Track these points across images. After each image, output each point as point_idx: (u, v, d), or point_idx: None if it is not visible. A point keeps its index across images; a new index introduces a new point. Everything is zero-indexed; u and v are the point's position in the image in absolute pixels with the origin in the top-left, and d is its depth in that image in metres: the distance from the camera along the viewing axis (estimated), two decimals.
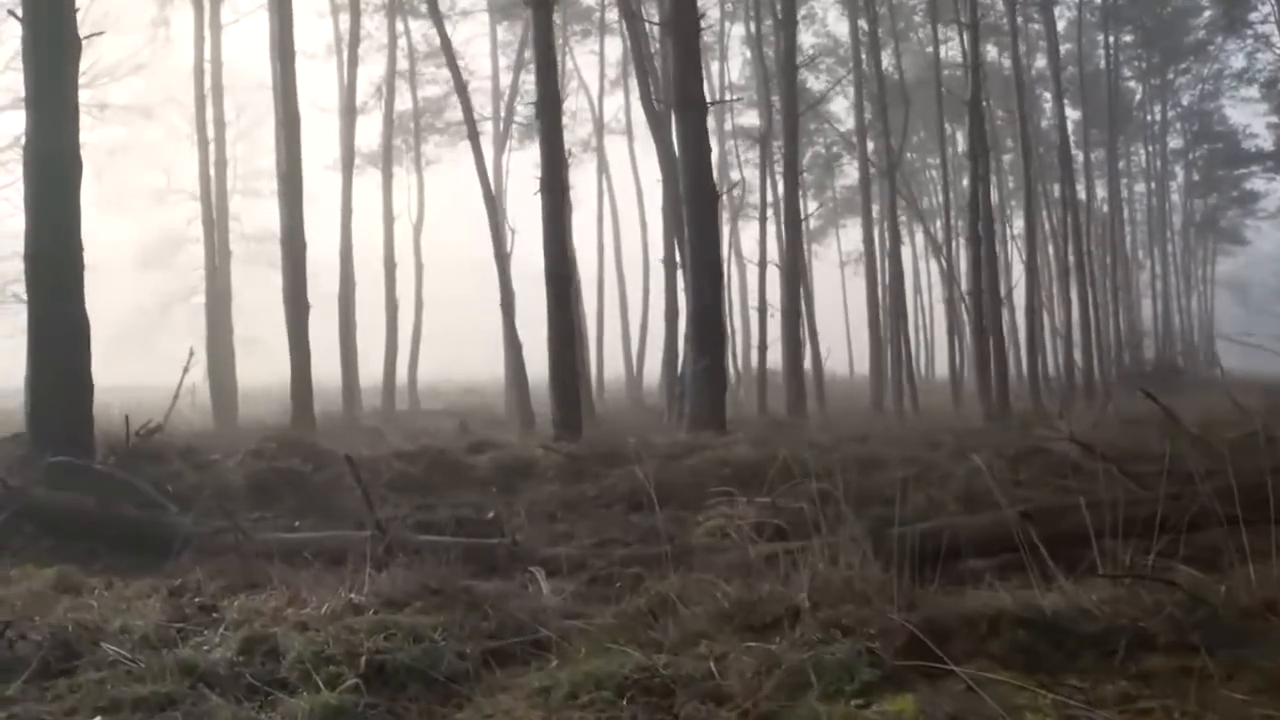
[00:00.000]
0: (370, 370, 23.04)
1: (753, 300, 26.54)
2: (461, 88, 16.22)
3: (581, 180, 31.25)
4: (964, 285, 30.13)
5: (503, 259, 16.02)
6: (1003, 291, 23.56)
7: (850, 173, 39.94)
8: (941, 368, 40.62)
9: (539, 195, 9.61)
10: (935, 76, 26.75)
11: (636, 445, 8.28)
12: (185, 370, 17.43)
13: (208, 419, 19.15)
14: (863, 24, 27.20)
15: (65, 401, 6.74)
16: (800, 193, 20.26)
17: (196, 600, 3.77)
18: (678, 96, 10.74)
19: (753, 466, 7.77)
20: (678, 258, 18.31)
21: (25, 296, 17.55)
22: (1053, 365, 32.10)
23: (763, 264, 21.18)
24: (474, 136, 16.62)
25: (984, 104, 27.44)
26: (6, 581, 4.34)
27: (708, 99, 29.19)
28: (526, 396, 15.41)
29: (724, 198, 29.51)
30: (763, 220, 21.75)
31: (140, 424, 7.74)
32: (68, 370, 6.78)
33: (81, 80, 7.40)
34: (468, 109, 16.34)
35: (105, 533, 5.57)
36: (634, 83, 33.65)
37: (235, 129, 23.56)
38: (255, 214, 30.17)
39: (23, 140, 22.30)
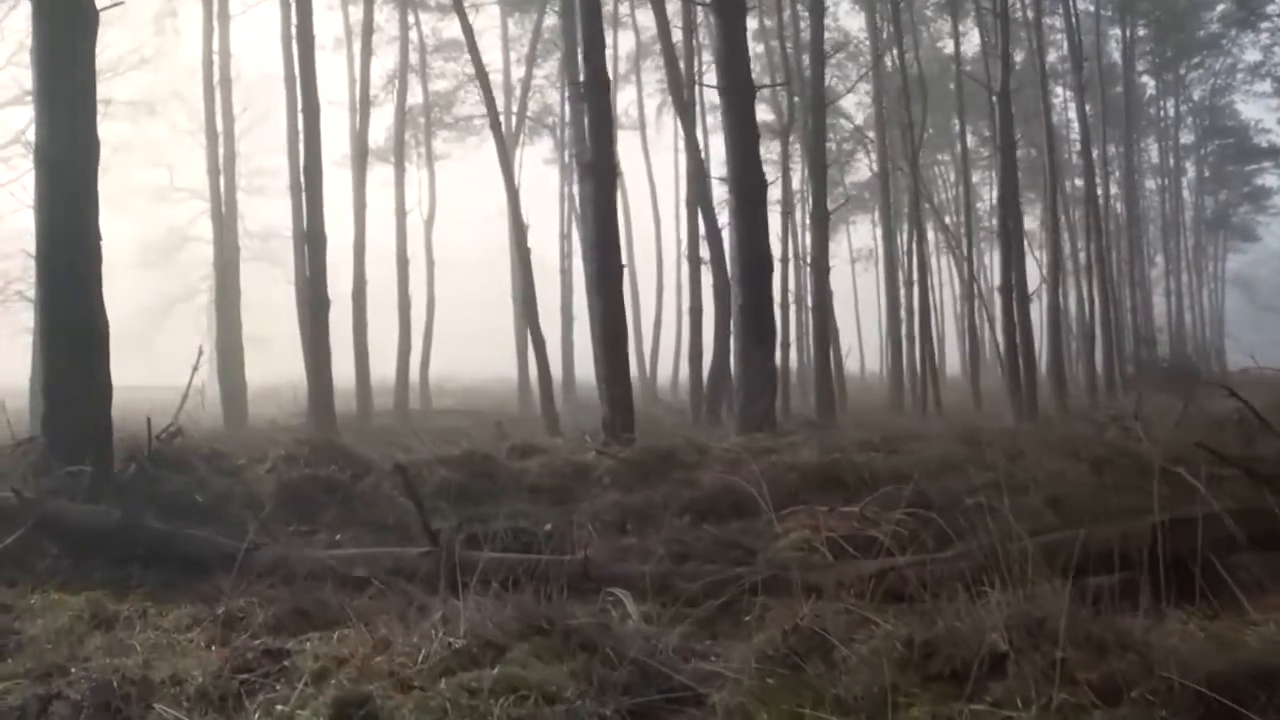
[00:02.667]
0: (377, 369, 22.50)
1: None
2: (483, 76, 15.62)
3: None
4: (980, 282, 29.67)
5: (524, 253, 15.46)
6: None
7: (860, 169, 39.45)
8: (951, 366, 40.16)
9: (585, 180, 9.04)
10: (955, 70, 26.21)
11: (693, 447, 7.74)
12: (194, 369, 16.88)
13: (217, 420, 18.60)
14: (878, 17, 26.70)
15: (81, 405, 6.17)
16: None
17: (258, 642, 3.20)
18: (723, 79, 10.17)
19: (823, 471, 7.25)
20: (702, 253, 17.76)
21: (31, 295, 16.94)
22: (1067, 363, 31.59)
23: (784, 259, 20.64)
24: (495, 126, 16.01)
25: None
26: (29, 612, 3.77)
27: (714, 104, 28.43)
28: (550, 396, 14.86)
29: None
30: (785, 215, 21.19)
31: (149, 426, 7.18)
32: (84, 371, 6.21)
33: None
34: (489, 97, 15.74)
35: (131, 549, 5.02)
36: (646, 77, 33.21)
37: (239, 125, 23.01)
38: (258, 211, 29.69)
39: (26, 135, 21.50)
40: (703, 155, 16.52)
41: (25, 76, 20.96)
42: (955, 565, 4.48)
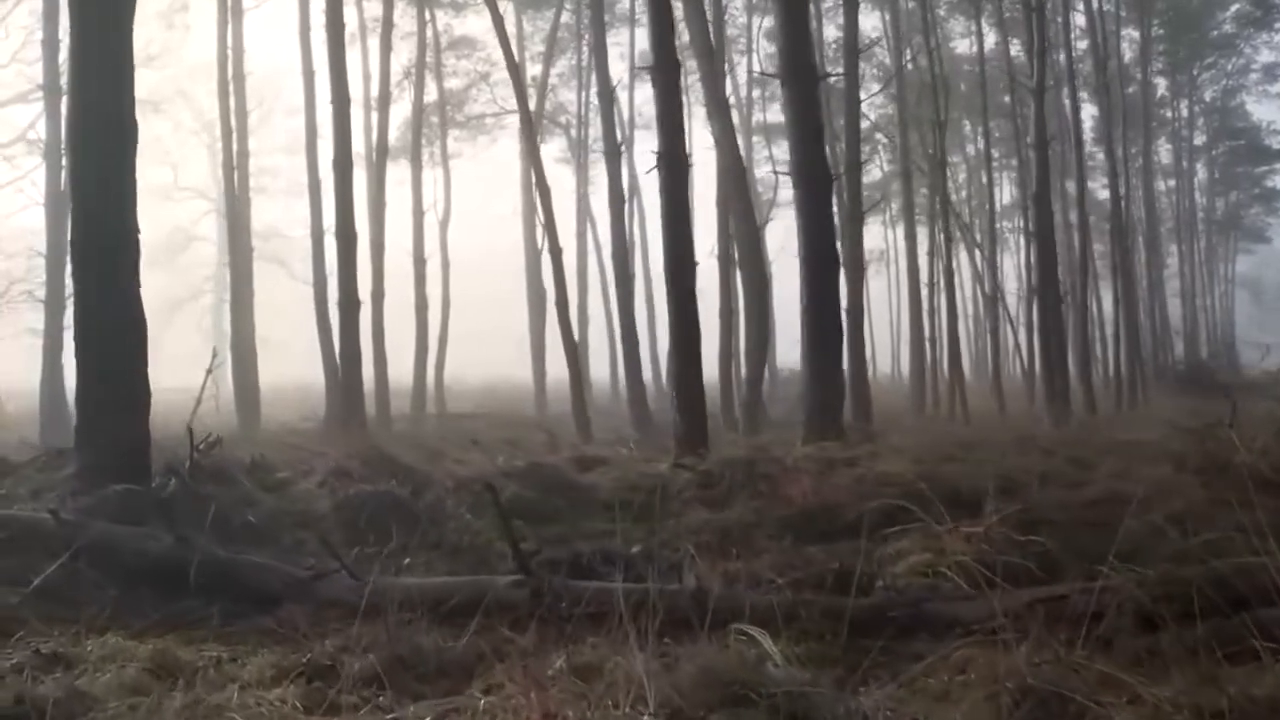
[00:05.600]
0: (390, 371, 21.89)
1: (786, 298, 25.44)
2: (513, 70, 15.03)
3: (603, 176, 30.28)
4: (996, 282, 29.18)
5: (556, 253, 14.90)
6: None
7: (871, 170, 38.92)
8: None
9: (655, 169, 8.47)
10: (980, 69, 25.77)
11: (770, 459, 7.19)
12: (209, 372, 16.25)
13: (231, 423, 18.01)
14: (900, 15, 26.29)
15: (119, 414, 5.60)
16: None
17: (390, 717, 2.63)
18: (786, 67, 9.60)
19: (916, 484, 6.71)
20: (733, 253, 17.21)
21: (40, 295, 16.36)
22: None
23: None
24: (526, 120, 15.43)
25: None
26: (89, 666, 3.20)
27: (730, 102, 28.08)
28: (583, 401, 14.29)
29: (753, 195, 28.52)
30: None
31: (190, 436, 6.60)
32: (122, 377, 5.65)
33: None
34: (521, 92, 15.15)
35: (185, 577, 4.46)
36: None
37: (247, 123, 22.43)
38: (260, 211, 29.19)
39: (31, 134, 20.86)
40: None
41: (29, 72, 20.50)
42: (1131, 594, 3.95)
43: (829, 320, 9.34)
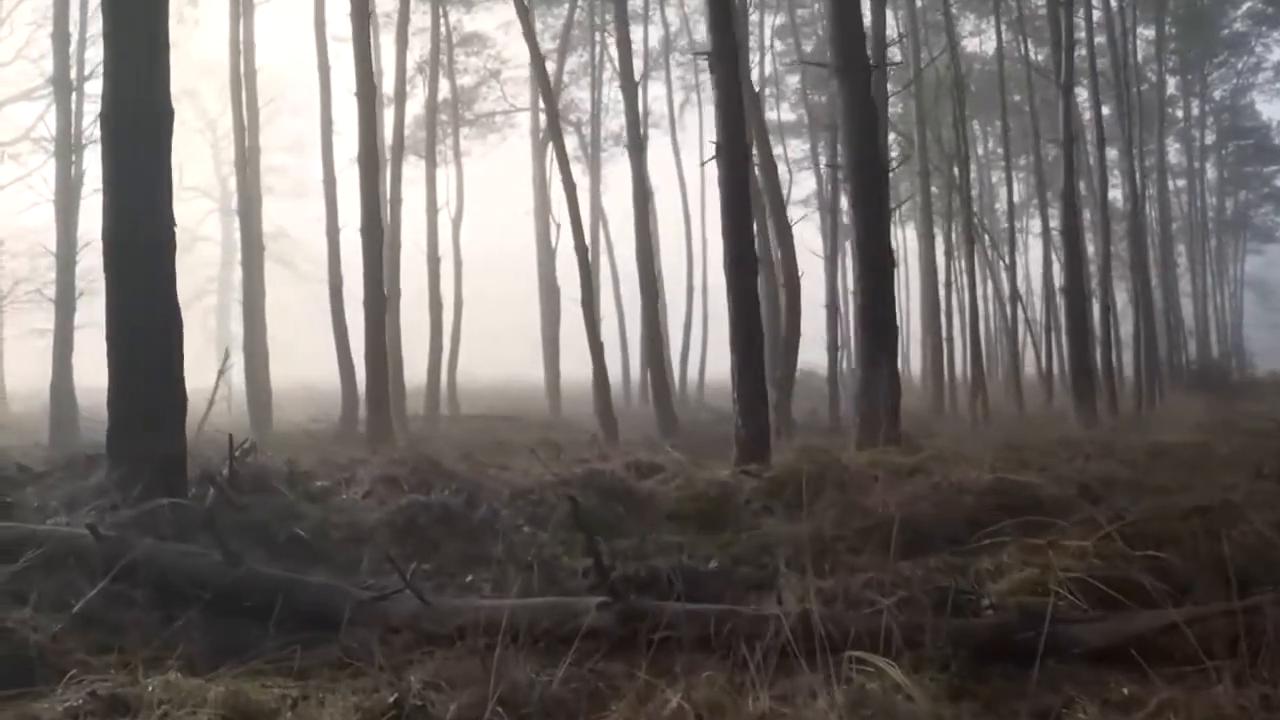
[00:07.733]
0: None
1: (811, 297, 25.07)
2: (538, 63, 14.61)
3: (614, 175, 30.02)
4: (1014, 282, 28.86)
5: (581, 252, 14.49)
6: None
7: None
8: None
9: (714, 160, 8.07)
10: (999, 67, 25.45)
11: (837, 466, 6.80)
12: (221, 373, 15.79)
13: (243, 424, 17.63)
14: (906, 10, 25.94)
15: (155, 421, 5.21)
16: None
17: None
18: (838, 58, 9.21)
19: (995, 493, 6.34)
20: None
21: (50, 295, 15.94)
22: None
23: (831, 258, 19.75)
24: (553, 116, 15.02)
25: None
26: (148, 706, 2.82)
27: (744, 99, 27.75)
28: (609, 402, 13.89)
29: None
30: (834, 212, 20.31)
31: (230, 442, 6.20)
32: (157, 381, 5.26)
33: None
34: (546, 87, 14.74)
35: (237, 599, 4.08)
36: (676, 73, 32.36)
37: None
38: (267, 211, 28.80)
39: (35, 131, 20.46)
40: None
41: (33, 69, 20.09)
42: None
43: (885, 320, 8.97)
